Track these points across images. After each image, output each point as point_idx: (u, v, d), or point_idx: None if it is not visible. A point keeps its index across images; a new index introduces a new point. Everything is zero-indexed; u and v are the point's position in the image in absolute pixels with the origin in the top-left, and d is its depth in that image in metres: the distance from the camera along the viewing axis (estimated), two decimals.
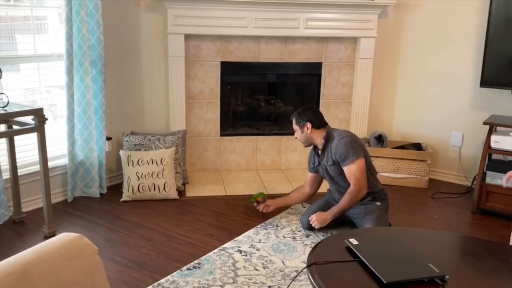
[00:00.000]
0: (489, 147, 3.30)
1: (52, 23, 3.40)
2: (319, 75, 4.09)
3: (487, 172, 3.34)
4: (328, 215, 2.84)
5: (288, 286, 2.38)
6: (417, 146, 4.03)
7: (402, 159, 3.89)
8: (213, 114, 4.03)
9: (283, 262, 2.63)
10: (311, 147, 3.08)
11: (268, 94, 4.26)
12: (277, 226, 3.08)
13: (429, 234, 2.19)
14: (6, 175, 3.05)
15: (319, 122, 2.92)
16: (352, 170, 2.77)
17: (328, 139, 2.88)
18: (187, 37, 3.78)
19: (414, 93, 4.16)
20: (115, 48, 3.61)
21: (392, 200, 3.52)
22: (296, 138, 3.04)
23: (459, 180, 4.00)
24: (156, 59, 3.86)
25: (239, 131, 4.16)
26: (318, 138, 2.91)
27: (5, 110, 2.66)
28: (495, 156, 3.38)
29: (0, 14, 3.10)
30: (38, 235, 2.90)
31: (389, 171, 3.88)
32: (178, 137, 3.68)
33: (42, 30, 3.43)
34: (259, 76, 4.11)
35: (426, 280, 1.68)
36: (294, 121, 2.98)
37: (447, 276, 1.70)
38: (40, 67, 3.36)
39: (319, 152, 2.97)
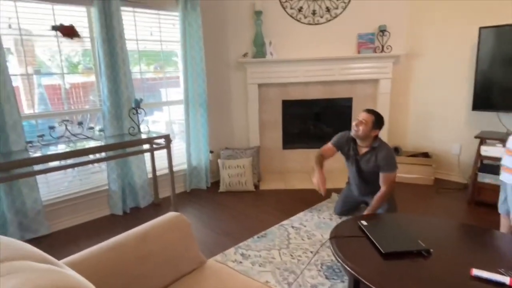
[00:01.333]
0: (480, 154, 3.01)
1: (181, 80, 3.68)
2: (350, 106, 3.99)
3: (479, 173, 3.04)
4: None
5: (317, 250, 2.37)
6: (425, 155, 3.76)
7: (413, 164, 3.66)
8: (277, 134, 4.09)
9: (322, 235, 2.60)
10: (348, 135, 2.65)
11: (314, 120, 4.22)
12: (319, 210, 3.04)
13: (424, 219, 2.06)
14: (150, 174, 3.33)
15: (379, 134, 2.58)
16: (389, 177, 2.48)
17: (377, 146, 2.52)
18: (260, 85, 3.90)
19: (422, 116, 3.90)
20: (215, 94, 3.82)
21: (405, 193, 3.35)
22: (357, 125, 2.49)
23: (458, 179, 3.66)
24: (240, 100, 4.01)
25: (295, 146, 4.15)
26: (369, 141, 2.54)
27: (148, 136, 2.95)
28: (485, 161, 3.06)
29: (151, 76, 3.46)
30: (167, 212, 3.12)
31: (404, 172, 3.66)
32: (254, 150, 3.77)
33: (176, 84, 3.70)
34: (308, 109, 4.10)
35: (414, 251, 1.60)
36: (371, 118, 2.47)
37: (431, 250, 1.61)
38: (170, 108, 3.66)
39: (358, 148, 2.60)
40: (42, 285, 0.74)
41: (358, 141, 2.59)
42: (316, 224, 2.77)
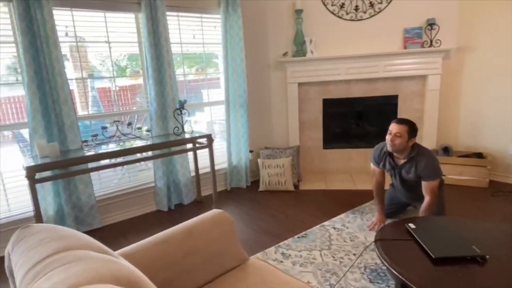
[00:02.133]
0: None
1: (221, 81, 3.77)
2: (396, 104, 3.83)
3: None
4: None
5: (361, 253, 2.31)
6: (479, 155, 3.51)
7: (465, 165, 3.43)
8: (317, 134, 4.03)
9: (365, 238, 2.52)
10: (381, 148, 2.52)
11: (356, 119, 4.10)
12: (362, 212, 2.96)
13: (477, 223, 1.92)
14: (193, 173, 3.43)
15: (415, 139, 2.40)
16: (432, 185, 2.30)
17: (415, 155, 2.35)
18: (300, 84, 3.87)
19: (475, 113, 3.64)
20: (255, 94, 3.85)
21: (456, 196, 3.16)
22: (392, 140, 2.32)
23: None
24: (280, 99, 4.00)
25: (336, 146, 4.06)
26: (407, 152, 2.37)
27: (191, 135, 3.05)
28: None
29: (193, 78, 3.57)
30: (209, 210, 3.21)
31: (455, 174, 3.44)
32: (294, 150, 3.75)
33: (216, 85, 3.79)
34: (350, 107, 4.00)
35: (468, 258, 1.51)
36: (405, 129, 2.29)
37: (487, 256, 1.50)
38: (211, 109, 3.75)
39: (396, 159, 2.46)
40: (101, 273, 0.79)
41: (394, 153, 2.44)
42: (359, 226, 2.70)
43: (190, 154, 3.39)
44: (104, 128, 2.67)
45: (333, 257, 2.28)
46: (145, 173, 3.31)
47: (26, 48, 2.42)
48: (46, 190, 2.65)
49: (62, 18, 2.69)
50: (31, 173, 2.27)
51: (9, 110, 2.70)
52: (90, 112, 3.00)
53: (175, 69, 3.14)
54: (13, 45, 2.55)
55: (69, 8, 2.69)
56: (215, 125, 3.86)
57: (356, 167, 4.00)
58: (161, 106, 3.07)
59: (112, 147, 2.71)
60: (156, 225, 2.95)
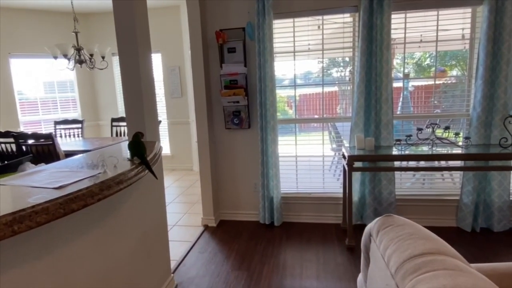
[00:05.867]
0: None
1: None
2: None
3: None
4: None
5: None
6: None
7: None
8: None
9: None
10: None
11: None
12: None
13: None
14: None
15: None
16: None
17: None
18: None
19: None
20: None
21: None
22: None
23: None
24: None
25: None
26: None
27: None
28: None
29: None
30: None
31: None
32: None
33: None
34: None
35: None
36: None
37: None
38: None
39: None
40: None
41: None
42: None
43: None
44: (419, 129, 2.64)
45: None
46: (444, 183, 3.04)
47: (363, 52, 2.76)
48: (355, 179, 2.99)
49: (394, 21, 2.85)
50: (351, 161, 2.60)
51: (325, 103, 3.23)
52: (398, 112, 3.07)
53: None
54: (350, 50, 2.99)
55: (404, 11, 2.80)
56: None
57: None
58: (487, 111, 2.66)
59: (423, 149, 2.64)
60: (457, 245, 2.64)
